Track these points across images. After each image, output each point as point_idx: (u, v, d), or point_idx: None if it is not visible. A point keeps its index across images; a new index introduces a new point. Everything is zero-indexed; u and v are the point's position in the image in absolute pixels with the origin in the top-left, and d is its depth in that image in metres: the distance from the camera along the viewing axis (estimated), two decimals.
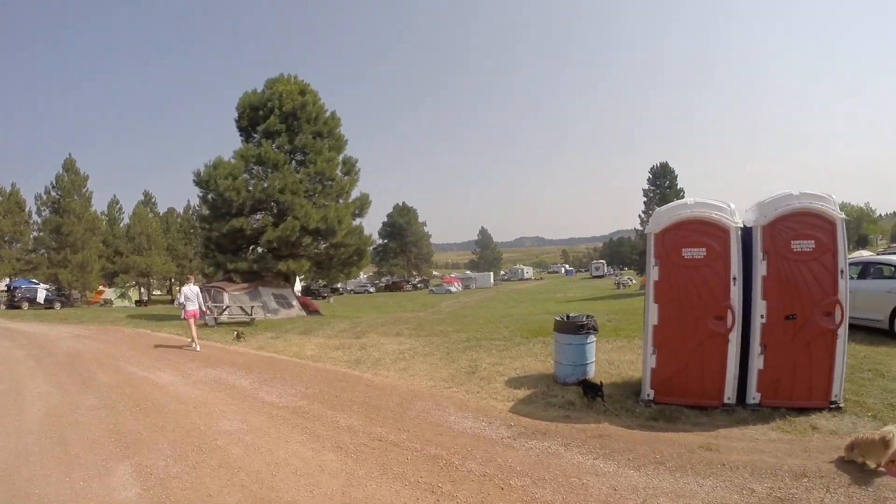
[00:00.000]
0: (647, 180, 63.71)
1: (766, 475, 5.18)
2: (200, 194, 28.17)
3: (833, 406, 6.79)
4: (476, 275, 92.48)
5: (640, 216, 63.87)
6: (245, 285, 24.75)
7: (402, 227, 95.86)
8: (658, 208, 7.78)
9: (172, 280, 69.92)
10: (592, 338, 8.95)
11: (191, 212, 74.42)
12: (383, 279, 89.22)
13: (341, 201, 29.30)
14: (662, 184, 62.77)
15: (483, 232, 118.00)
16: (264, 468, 5.81)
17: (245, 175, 26.92)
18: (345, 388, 9.64)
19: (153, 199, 76.67)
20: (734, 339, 6.88)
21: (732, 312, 6.85)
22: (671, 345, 7.14)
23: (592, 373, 8.92)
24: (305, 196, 27.01)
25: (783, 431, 6.30)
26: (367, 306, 46.45)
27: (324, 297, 55.70)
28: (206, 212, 29.15)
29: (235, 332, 17.46)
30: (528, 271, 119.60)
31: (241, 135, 29.32)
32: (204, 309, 16.34)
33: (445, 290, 70.64)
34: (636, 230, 65.31)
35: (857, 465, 5.25)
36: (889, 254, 18.05)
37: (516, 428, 6.84)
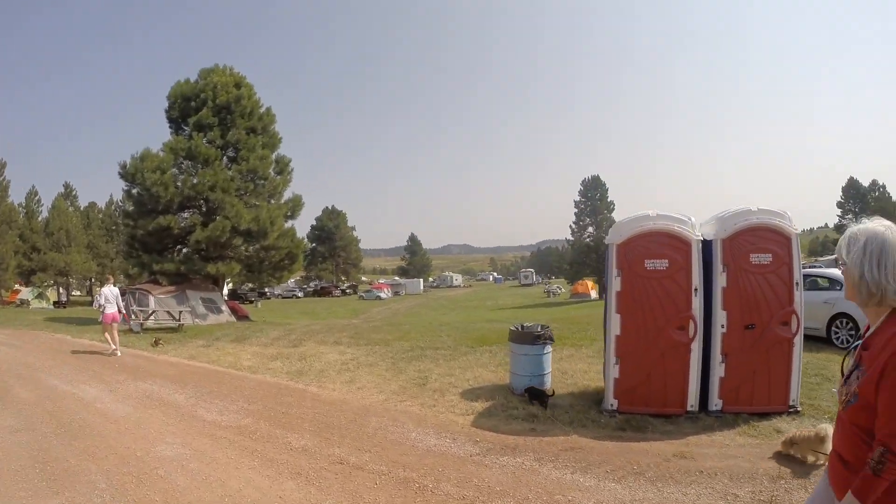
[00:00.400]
0: (579, 192, 64.91)
1: (745, 479, 5.25)
2: (125, 188, 26.23)
3: (792, 410, 7.08)
4: (406, 281, 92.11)
5: (570, 227, 65.14)
6: (172, 288, 23.33)
7: (331, 230, 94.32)
8: (620, 219, 7.86)
9: (93, 280, 65.94)
10: (549, 348, 8.82)
11: (113, 207, 70.65)
12: (311, 284, 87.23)
13: (273, 202, 28.18)
14: (594, 196, 63.96)
15: (413, 238, 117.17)
16: (217, 502, 5.08)
17: (174, 170, 25.44)
18: (291, 403, 8.98)
19: (74, 192, 72.40)
20: (696, 348, 7.03)
21: (694, 322, 7.00)
22: (634, 355, 7.19)
23: (549, 383, 8.76)
24: (237, 195, 25.79)
25: (749, 436, 6.47)
26: (296, 312, 45.88)
27: (251, 302, 53.97)
28: (130, 207, 27.22)
29: (154, 339, 16.56)
30: (458, 278, 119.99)
31: (170, 126, 27.74)
32: (125, 312, 15.48)
33: (375, 297, 70.35)
34: (567, 240, 66.32)
35: (796, 460, 5.60)
36: (811, 267, 19.24)
37: (483, 444, 6.54)
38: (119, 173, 25.27)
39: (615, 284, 7.24)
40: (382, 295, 71.92)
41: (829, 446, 4.77)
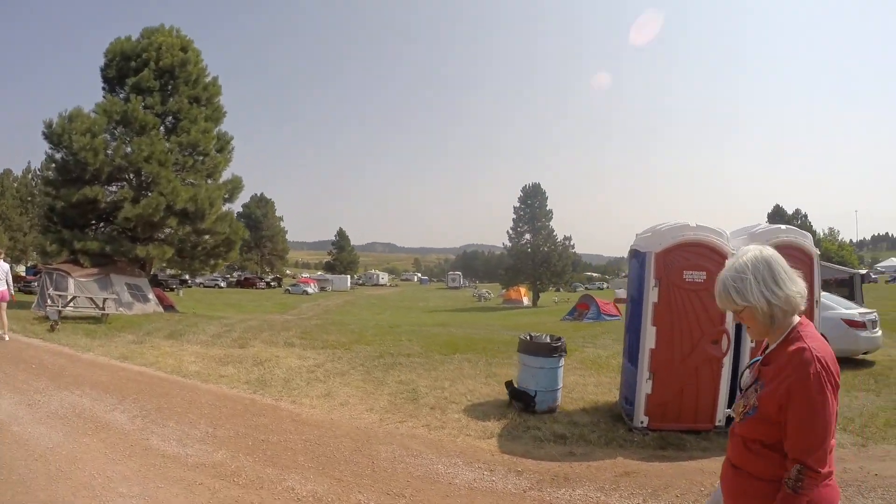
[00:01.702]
0: (519, 198, 64.53)
1: None
2: (49, 151, 23.02)
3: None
4: (333, 277, 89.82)
5: (508, 233, 64.91)
6: (94, 270, 20.44)
7: (258, 219, 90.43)
8: (656, 227, 7.56)
9: (2, 255, 60.72)
10: (563, 361, 8.28)
11: (31, 176, 65.37)
12: (235, 274, 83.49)
13: (211, 181, 25.72)
14: (533, 203, 63.53)
15: (341, 233, 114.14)
16: None
17: (105, 135, 22.58)
18: (267, 426, 7.14)
19: None
20: (728, 362, 6.98)
21: (728, 336, 6.94)
22: (668, 369, 6.99)
23: (560, 399, 8.26)
24: (174, 170, 23.29)
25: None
26: (220, 303, 43.91)
27: (172, 289, 50.21)
28: (53, 175, 24.01)
29: (50, 324, 14.94)
30: (384, 277, 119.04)
31: (104, 86, 24.75)
32: (12, 292, 13.53)
33: (302, 291, 68.85)
34: (504, 245, 65.59)
35: None
36: None
37: (528, 475, 5.77)
38: (43, 133, 22.26)
39: (652, 295, 6.96)
40: (309, 290, 70.58)
41: None
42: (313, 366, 11.03)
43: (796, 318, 2.15)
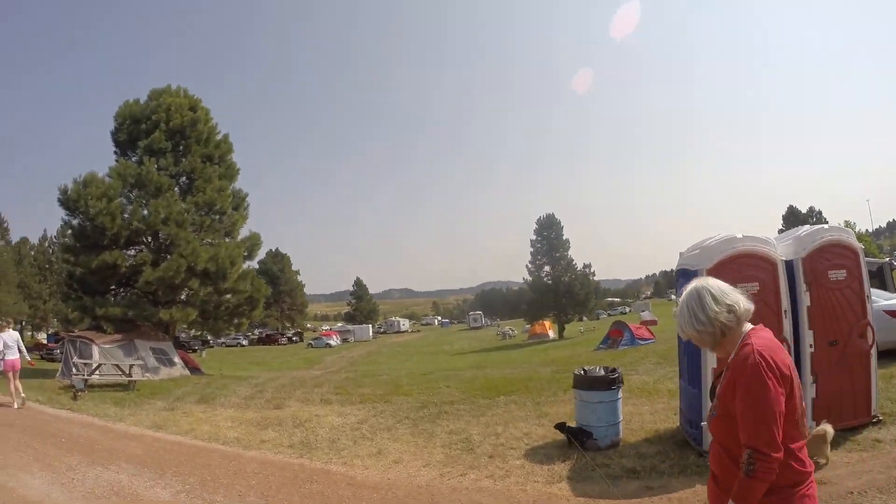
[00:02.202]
0: (534, 231, 63.73)
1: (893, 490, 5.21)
2: (66, 218, 22.95)
3: (875, 419, 7.13)
4: (355, 327, 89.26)
5: (527, 266, 63.98)
6: (118, 336, 20.07)
7: (275, 274, 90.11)
8: (703, 242, 7.39)
9: (23, 324, 59.93)
10: (621, 392, 8.01)
11: (47, 243, 65.60)
12: (256, 331, 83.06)
13: (230, 239, 25.54)
14: (549, 235, 62.92)
15: (358, 282, 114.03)
16: None
17: (121, 199, 22.54)
18: (323, 493, 6.59)
19: (5, 224, 65.50)
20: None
21: (788, 345, 6.69)
22: None
23: (622, 432, 7.91)
24: (192, 230, 23.08)
25: (859, 451, 6.39)
26: (245, 362, 43.20)
27: (195, 351, 49.84)
28: (70, 241, 23.98)
29: (73, 392, 14.71)
30: (405, 323, 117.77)
31: (116, 151, 24.86)
32: (28, 359, 13.73)
33: (324, 344, 68.02)
34: (524, 280, 64.73)
35: None
36: None
37: None
38: (59, 200, 22.21)
39: (805, 299, 6.92)
40: (332, 342, 69.80)
41: (828, 449, 5.90)
42: (356, 422, 10.48)
43: (748, 327, 2.34)
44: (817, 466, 5.55)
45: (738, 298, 2.32)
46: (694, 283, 2.41)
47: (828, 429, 5.88)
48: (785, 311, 6.78)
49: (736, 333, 2.31)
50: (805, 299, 6.93)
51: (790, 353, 6.01)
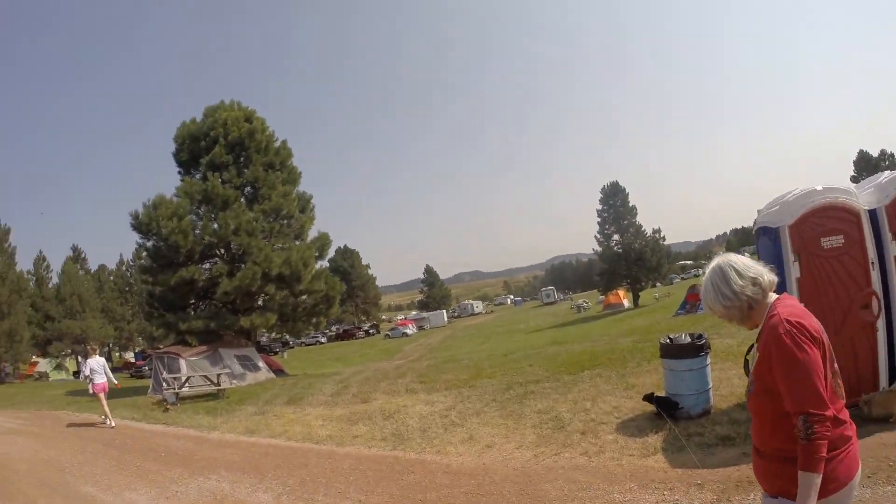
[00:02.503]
0: (599, 200, 62.49)
1: None
2: (139, 242, 23.83)
3: None
4: (429, 314, 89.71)
5: (595, 237, 62.81)
6: (203, 348, 20.69)
7: (346, 270, 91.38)
8: (782, 197, 7.02)
9: (111, 345, 62.90)
10: (709, 359, 7.82)
11: (124, 267, 68.27)
12: (333, 328, 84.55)
13: (300, 242, 25.86)
14: (615, 202, 61.70)
15: (429, 269, 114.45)
16: None
17: (191, 216, 23.12)
18: (420, 483, 6.61)
19: (83, 255, 69.17)
20: (882, 326, 6.49)
21: (878, 299, 6.46)
22: None
23: (713, 399, 7.72)
24: (262, 237, 23.49)
25: None
26: (326, 359, 44.07)
27: (276, 353, 51.20)
28: (147, 262, 24.81)
29: (164, 406, 15.58)
30: (479, 305, 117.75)
31: (180, 170, 25.50)
32: (115, 382, 14.66)
33: (401, 334, 68.32)
34: (594, 251, 63.76)
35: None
36: None
37: (709, 486, 5.29)
38: (131, 225, 22.96)
39: (794, 270, 6.49)
40: (408, 331, 70.06)
41: None
42: (444, 409, 10.48)
43: (772, 297, 2.35)
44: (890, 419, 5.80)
45: (762, 271, 2.34)
46: (716, 260, 2.43)
47: None
48: (872, 263, 6.55)
49: (762, 305, 2.34)
50: (892, 248, 6.63)
51: (880, 307, 6.47)
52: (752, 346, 2.46)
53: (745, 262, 2.35)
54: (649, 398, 7.83)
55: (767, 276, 2.33)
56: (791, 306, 2.27)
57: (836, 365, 2.22)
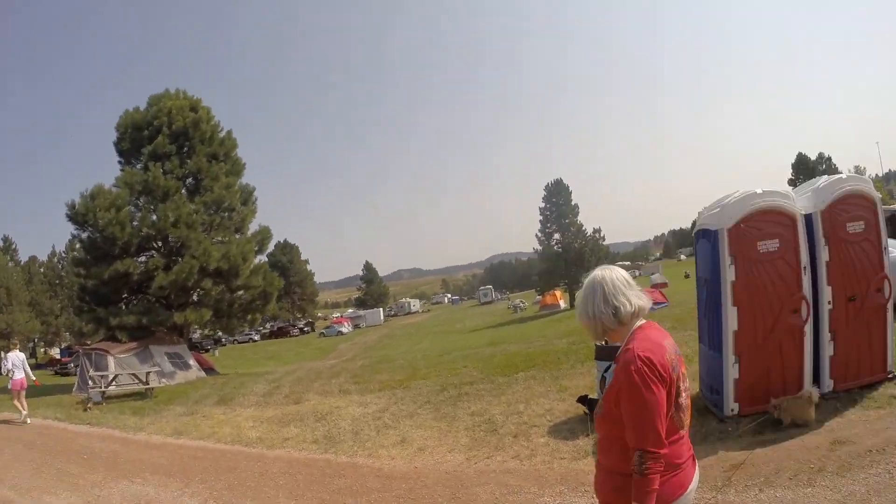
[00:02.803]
0: (543, 198, 62.74)
1: None
2: (75, 233, 22.93)
3: (891, 376, 7.04)
4: (365, 312, 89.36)
5: (536, 235, 62.90)
6: (133, 345, 20.02)
7: (285, 266, 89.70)
8: (722, 199, 7.19)
9: (35, 341, 60.56)
10: None
11: (56, 259, 65.80)
12: (267, 325, 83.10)
13: (240, 235, 25.49)
14: (558, 201, 62.12)
15: (368, 266, 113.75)
16: None
17: (130, 207, 22.44)
18: (351, 487, 6.62)
19: (14, 246, 66.63)
20: (809, 330, 6.71)
21: (807, 303, 6.65)
22: (753, 349, 6.70)
23: None
24: (202, 230, 23.03)
25: (875, 408, 6.36)
26: (259, 357, 43.69)
27: (207, 350, 49.88)
28: (80, 254, 24.00)
29: (85, 405, 15.10)
30: (416, 304, 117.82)
31: (120, 160, 24.74)
32: (34, 378, 14.37)
33: (336, 332, 68.04)
34: (535, 249, 63.98)
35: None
36: None
37: None
38: (67, 216, 22.08)
39: (729, 274, 6.62)
40: (343, 329, 69.86)
41: (813, 410, 6.11)
42: (377, 411, 10.49)
43: (639, 322, 2.39)
44: (804, 426, 6.05)
45: (627, 299, 2.36)
46: (595, 273, 2.46)
47: (813, 392, 6.18)
48: (804, 267, 6.69)
49: (619, 332, 2.39)
50: (824, 254, 6.84)
51: (809, 312, 6.61)
52: (609, 366, 2.49)
53: (614, 286, 2.37)
54: (582, 400, 7.92)
55: (633, 303, 2.36)
56: (647, 339, 2.31)
57: (683, 399, 2.32)
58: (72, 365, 30.08)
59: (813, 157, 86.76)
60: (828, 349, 6.83)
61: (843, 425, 6.03)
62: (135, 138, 23.99)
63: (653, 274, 64.56)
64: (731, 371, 6.71)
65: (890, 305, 7.01)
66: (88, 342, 22.12)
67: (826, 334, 6.81)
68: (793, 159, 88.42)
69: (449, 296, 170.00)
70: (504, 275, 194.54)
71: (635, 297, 2.37)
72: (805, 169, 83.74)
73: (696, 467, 2.40)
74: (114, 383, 17.03)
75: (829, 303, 6.80)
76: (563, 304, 57.16)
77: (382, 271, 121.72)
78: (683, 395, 2.33)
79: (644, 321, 2.41)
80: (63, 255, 59.93)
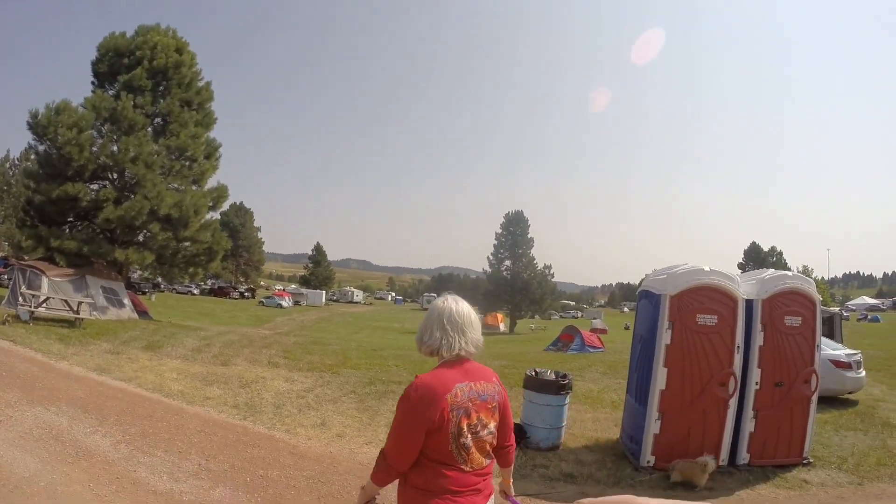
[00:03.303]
0: (501, 225, 64.08)
1: None
2: (32, 142, 21.97)
3: (806, 461, 7.46)
4: (308, 292, 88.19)
5: (488, 258, 64.42)
6: (70, 271, 19.43)
7: (236, 228, 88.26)
8: (671, 269, 7.65)
9: None
10: (569, 398, 8.26)
11: (8, 165, 63.56)
12: (209, 281, 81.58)
13: (196, 188, 24.92)
14: (515, 231, 63.27)
15: (318, 248, 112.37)
16: None
17: (92, 131, 21.73)
18: (265, 458, 6.57)
19: None
20: (733, 404, 7.09)
21: (735, 379, 7.01)
22: (677, 410, 7.00)
23: (564, 436, 8.15)
24: (160, 173, 22.50)
25: (786, 488, 6.67)
26: (194, 311, 42.72)
27: (145, 293, 48.68)
28: (34, 167, 23.09)
29: (7, 320, 14.82)
30: (359, 295, 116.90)
31: (94, 82, 23.93)
32: None
33: (276, 304, 66.96)
34: (484, 270, 65.14)
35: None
36: None
37: None
38: (28, 123, 21.18)
39: (665, 337, 6.97)
40: (283, 303, 68.67)
41: (705, 477, 6.41)
42: (303, 390, 10.46)
43: (443, 358, 2.49)
44: (694, 489, 6.36)
45: (429, 336, 2.50)
46: (443, 301, 2.57)
47: (709, 462, 6.43)
48: (738, 347, 7.03)
49: (433, 359, 2.54)
50: (759, 339, 7.20)
51: (736, 387, 6.98)
52: None
53: (437, 321, 2.50)
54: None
55: (426, 343, 2.49)
56: (439, 374, 2.43)
57: (468, 440, 2.41)
58: (5, 277, 29.09)
59: (766, 248, 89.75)
60: (749, 425, 7.15)
61: (752, 497, 6.30)
62: (113, 63, 23.39)
63: (594, 319, 65.44)
64: (653, 426, 6.97)
65: (815, 398, 7.37)
66: (26, 258, 21.35)
67: (749, 411, 7.14)
68: (747, 245, 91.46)
69: (393, 294, 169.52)
70: (450, 286, 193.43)
71: (434, 336, 2.49)
72: (756, 257, 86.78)
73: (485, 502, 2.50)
74: (44, 305, 16.61)
75: (756, 383, 7.13)
76: (502, 326, 57.93)
77: (332, 256, 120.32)
78: (469, 437, 2.41)
79: (468, 358, 2.51)
80: (17, 162, 57.80)
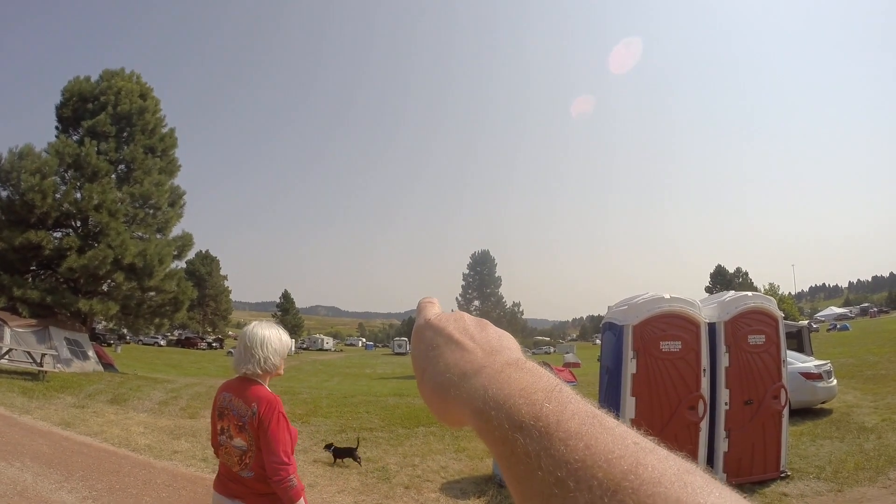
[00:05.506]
0: (468, 265, 64.80)
1: None
2: None
3: (783, 475, 7.66)
4: None
5: (457, 299, 64.89)
6: (33, 322, 19.02)
7: (202, 277, 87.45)
8: (631, 299, 7.72)
9: None
10: None
11: None
12: (176, 332, 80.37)
13: (161, 236, 24.83)
14: (482, 270, 63.69)
15: (286, 296, 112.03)
16: None
17: (56, 178, 21.58)
18: None
19: None
20: (705, 426, 7.19)
21: (704, 402, 7.13)
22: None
23: None
24: (123, 221, 22.32)
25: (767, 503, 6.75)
26: (161, 363, 41.85)
27: (110, 345, 48.02)
28: None
29: None
30: (329, 342, 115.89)
31: (58, 126, 23.87)
32: None
33: None
34: (452, 311, 65.13)
35: None
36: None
37: None
38: None
39: (630, 367, 7.04)
40: None
41: None
42: None
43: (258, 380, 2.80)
44: None
45: (239, 358, 2.81)
46: (266, 328, 2.88)
47: None
48: (704, 370, 7.17)
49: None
50: (724, 360, 7.40)
51: (706, 410, 7.11)
52: None
53: (239, 342, 2.89)
54: (328, 447, 8.84)
55: (235, 363, 2.84)
56: (228, 386, 2.85)
57: (221, 437, 2.79)
58: None
59: (732, 269, 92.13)
60: (722, 445, 7.32)
61: None
62: (77, 108, 23.41)
63: (567, 353, 65.52)
64: None
65: (786, 411, 7.64)
66: None
67: (721, 432, 7.31)
68: (713, 269, 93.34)
69: (364, 340, 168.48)
70: None
71: (249, 356, 2.78)
72: (722, 280, 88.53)
73: (220, 494, 2.78)
74: (7, 357, 16.22)
75: (725, 404, 7.33)
76: None
77: (300, 303, 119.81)
78: (223, 437, 2.76)
79: (255, 380, 2.79)
80: None
